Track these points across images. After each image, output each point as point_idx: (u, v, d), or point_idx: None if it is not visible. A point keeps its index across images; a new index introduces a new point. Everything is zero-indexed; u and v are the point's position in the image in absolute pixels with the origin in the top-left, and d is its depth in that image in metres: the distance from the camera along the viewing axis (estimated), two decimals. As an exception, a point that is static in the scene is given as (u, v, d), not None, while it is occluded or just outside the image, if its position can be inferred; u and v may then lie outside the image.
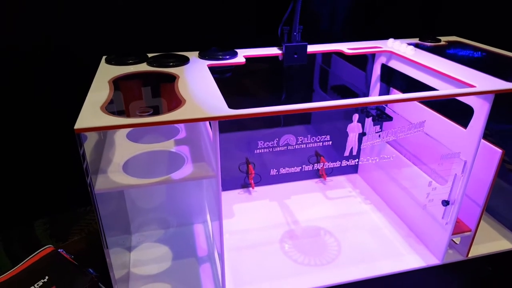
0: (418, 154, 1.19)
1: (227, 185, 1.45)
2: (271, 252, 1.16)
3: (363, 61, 1.37)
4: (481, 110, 0.93)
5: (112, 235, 0.97)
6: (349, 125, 0.90)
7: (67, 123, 1.23)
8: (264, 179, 1.43)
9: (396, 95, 0.87)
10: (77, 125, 0.71)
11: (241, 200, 1.39)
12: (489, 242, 1.20)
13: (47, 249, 1.05)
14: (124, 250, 1.12)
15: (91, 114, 0.76)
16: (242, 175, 1.43)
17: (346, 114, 1.34)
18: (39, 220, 1.40)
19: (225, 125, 1.35)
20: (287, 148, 0.85)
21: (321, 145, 0.86)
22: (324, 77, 1.48)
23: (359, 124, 0.90)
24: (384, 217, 1.31)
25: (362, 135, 0.93)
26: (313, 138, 0.85)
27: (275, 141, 0.83)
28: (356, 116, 0.89)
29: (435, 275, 1.13)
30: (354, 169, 1.55)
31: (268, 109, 0.79)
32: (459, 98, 0.99)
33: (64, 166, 1.36)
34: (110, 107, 0.79)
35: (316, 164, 0.92)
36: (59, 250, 1.06)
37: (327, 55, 1.46)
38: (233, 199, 1.39)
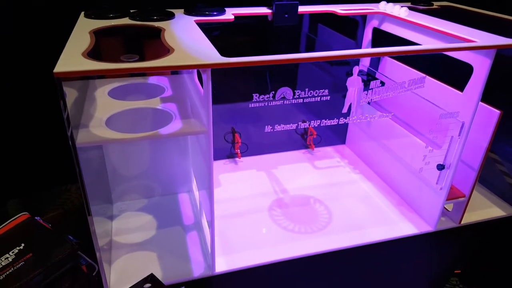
0: (411, 119, 1.15)
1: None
2: (260, 220, 1.11)
3: (354, 26, 1.33)
4: (481, 67, 0.90)
5: (93, 204, 0.90)
6: (348, 79, 0.85)
7: (41, 87, 1.17)
8: (251, 149, 1.38)
9: (395, 47, 0.83)
10: (57, 69, 0.64)
11: (227, 170, 1.34)
12: (481, 209, 1.18)
13: (22, 216, 0.98)
14: (106, 219, 1.05)
15: (72, 59, 0.69)
16: (227, 146, 1.37)
17: (334, 85, 1.30)
18: (12, 200, 1.32)
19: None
20: (283, 102, 0.79)
21: (318, 99, 0.81)
22: (313, 45, 1.43)
23: (359, 78, 0.85)
24: (374, 186, 1.28)
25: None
26: (311, 92, 0.80)
27: (270, 95, 0.78)
28: (356, 69, 0.84)
29: (427, 242, 1.11)
30: (341, 140, 1.51)
31: (262, 58, 0.73)
32: (458, 55, 0.96)
33: (39, 144, 1.29)
34: (92, 55, 0.72)
35: (313, 122, 0.87)
36: (35, 217, 0.99)
37: (315, 22, 1.41)
38: (218, 169, 1.34)
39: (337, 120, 0.87)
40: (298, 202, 1.20)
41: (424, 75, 0.89)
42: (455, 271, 1.39)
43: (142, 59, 0.72)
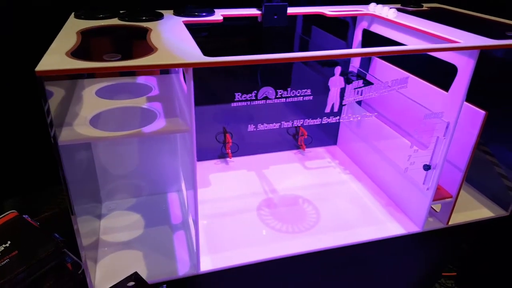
0: (399, 119, 1.16)
1: (204, 156, 1.40)
2: (248, 220, 1.12)
3: (344, 28, 1.34)
4: (465, 68, 0.91)
5: (81, 203, 0.92)
6: (330, 79, 0.86)
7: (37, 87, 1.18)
8: (242, 150, 1.39)
9: (380, 48, 0.83)
10: (39, 68, 0.65)
11: (217, 170, 1.35)
12: (469, 210, 1.18)
13: (10, 214, 0.99)
14: (94, 218, 1.06)
15: (55, 58, 0.70)
16: (219, 146, 1.38)
17: (326, 85, 1.30)
18: (10, 199, 1.33)
19: (202, 97, 1.30)
20: (265, 101, 0.80)
21: (301, 99, 0.82)
22: (302, 45, 1.44)
23: (342, 78, 0.86)
24: (363, 187, 1.28)
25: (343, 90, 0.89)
26: (293, 92, 0.81)
27: (253, 94, 0.79)
28: (338, 69, 0.85)
29: (415, 243, 1.11)
30: (333, 141, 1.52)
31: (245, 58, 0.74)
32: (442, 56, 0.97)
33: (37, 143, 1.29)
34: (77, 54, 0.73)
35: (296, 121, 0.87)
36: (23, 216, 1.00)
37: (307, 24, 1.42)
38: (209, 169, 1.35)
39: (320, 119, 0.88)
40: (286, 202, 1.20)
41: (407, 75, 0.89)
42: (451, 274, 1.40)
43: (126, 58, 0.72)
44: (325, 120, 0.88)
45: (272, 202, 1.20)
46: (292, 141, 1.48)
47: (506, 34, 0.95)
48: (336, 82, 0.86)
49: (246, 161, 1.40)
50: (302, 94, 0.81)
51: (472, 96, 0.96)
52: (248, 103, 0.80)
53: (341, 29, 1.35)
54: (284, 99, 0.81)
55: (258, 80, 1.36)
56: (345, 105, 1.31)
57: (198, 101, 1.31)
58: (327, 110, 0.88)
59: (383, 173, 1.25)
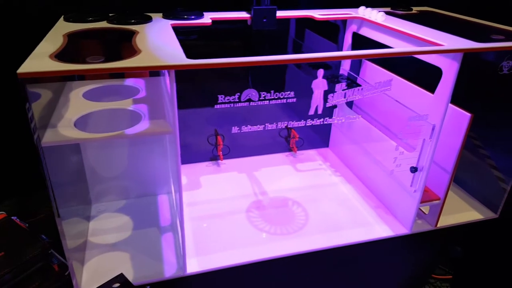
0: (389, 122, 1.16)
1: (195, 158, 1.41)
2: (237, 222, 1.12)
3: (334, 31, 1.34)
4: (449, 70, 0.91)
5: (70, 205, 0.92)
6: (313, 82, 0.86)
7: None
8: (233, 152, 1.39)
9: (365, 50, 0.84)
10: (21, 70, 0.66)
11: (209, 172, 1.35)
12: (458, 212, 1.18)
13: (-2, 216, 1.00)
14: (83, 220, 1.07)
15: (38, 61, 0.71)
16: (211, 148, 1.38)
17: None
18: (6, 201, 1.33)
19: (195, 100, 1.31)
20: (249, 104, 0.81)
21: (285, 101, 0.82)
22: (294, 49, 1.44)
23: (324, 81, 0.87)
24: (353, 189, 1.28)
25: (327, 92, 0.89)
26: (276, 94, 0.81)
27: (236, 96, 0.79)
28: (321, 72, 0.85)
29: (403, 245, 1.11)
30: (325, 143, 1.52)
31: (227, 60, 0.75)
32: (427, 59, 0.97)
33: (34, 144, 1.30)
34: (61, 57, 0.74)
35: (281, 123, 0.88)
36: (12, 217, 1.00)
37: (297, 26, 1.42)
38: (200, 171, 1.35)
39: (304, 122, 0.88)
40: (276, 204, 1.20)
41: (391, 77, 0.90)
42: (447, 277, 1.39)
43: (109, 60, 0.73)
44: (309, 122, 0.88)
45: (262, 204, 1.20)
46: (284, 144, 1.48)
47: (491, 37, 0.96)
48: (319, 84, 0.86)
49: (238, 163, 1.41)
50: (285, 96, 0.82)
51: (471, 99, 0.96)
52: (232, 105, 0.81)
53: (333, 32, 1.36)
54: (268, 101, 0.82)
55: (249, 82, 1.37)
56: (336, 107, 1.33)
57: (191, 104, 1.32)
58: (311, 112, 0.89)
59: (372, 175, 1.26)
